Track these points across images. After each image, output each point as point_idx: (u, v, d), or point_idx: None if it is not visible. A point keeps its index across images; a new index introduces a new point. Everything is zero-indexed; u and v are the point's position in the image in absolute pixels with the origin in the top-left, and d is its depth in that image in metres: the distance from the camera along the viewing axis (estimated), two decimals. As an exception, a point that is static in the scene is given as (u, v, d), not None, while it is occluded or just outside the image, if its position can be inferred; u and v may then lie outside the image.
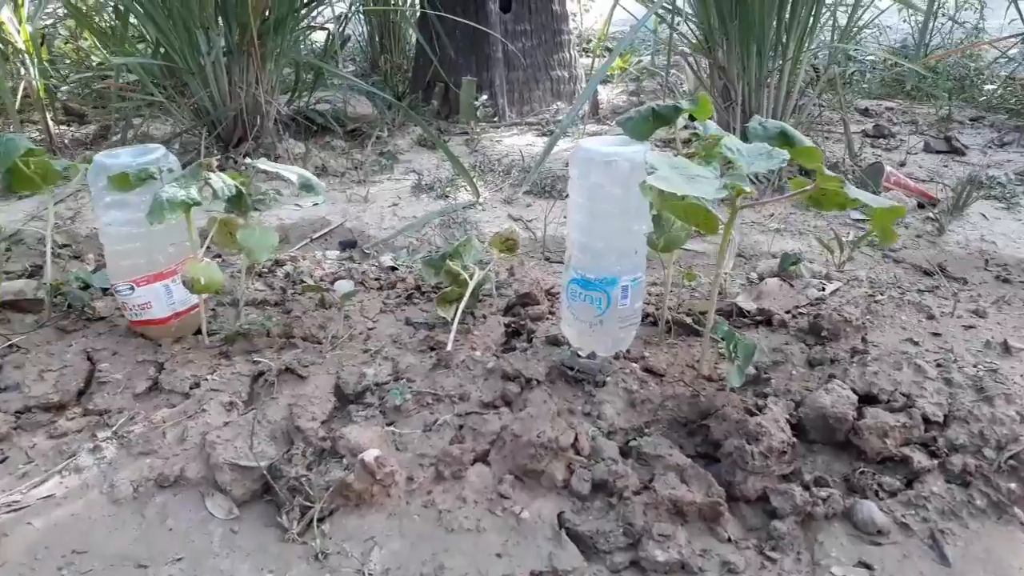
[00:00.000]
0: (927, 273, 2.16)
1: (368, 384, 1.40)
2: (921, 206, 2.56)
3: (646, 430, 1.28)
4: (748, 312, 1.66)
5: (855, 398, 1.28)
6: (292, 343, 1.58)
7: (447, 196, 2.81)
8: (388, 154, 3.18)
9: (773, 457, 1.18)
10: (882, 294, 1.75)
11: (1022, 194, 2.65)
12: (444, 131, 3.70)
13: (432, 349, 1.55)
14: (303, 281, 1.86)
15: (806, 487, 1.17)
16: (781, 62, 2.84)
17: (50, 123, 3.39)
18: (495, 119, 3.85)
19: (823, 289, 1.77)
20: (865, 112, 4.06)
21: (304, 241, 2.52)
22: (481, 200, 2.74)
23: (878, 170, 2.58)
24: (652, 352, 1.52)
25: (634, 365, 1.43)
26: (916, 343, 1.52)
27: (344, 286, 1.59)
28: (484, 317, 1.70)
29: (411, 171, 3.13)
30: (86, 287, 1.84)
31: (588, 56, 5.37)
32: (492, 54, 3.90)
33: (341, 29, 3.97)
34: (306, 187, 1.54)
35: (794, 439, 1.22)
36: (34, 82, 3.26)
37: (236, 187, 1.48)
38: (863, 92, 4.54)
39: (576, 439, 1.23)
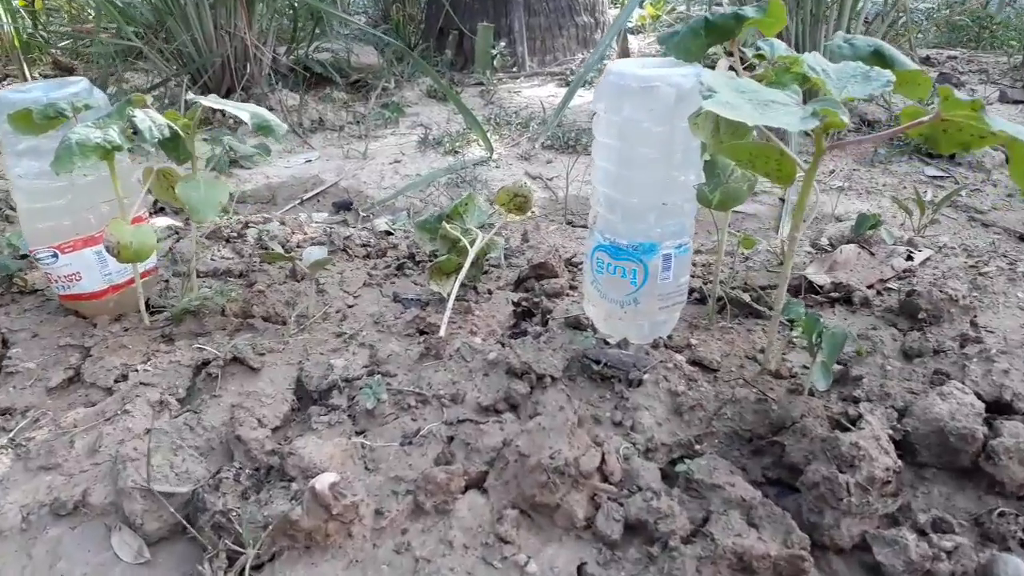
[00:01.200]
0: (1024, 239, 1.80)
1: (336, 379, 1.09)
2: (1008, 159, 2.18)
3: (697, 447, 0.96)
4: (821, 287, 1.33)
5: (981, 406, 0.94)
6: (250, 324, 1.28)
7: (456, 152, 2.48)
8: (392, 106, 2.85)
9: (875, 490, 0.85)
10: (987, 264, 1.40)
11: None
12: (457, 83, 3.35)
13: (422, 333, 1.24)
14: (274, 248, 1.54)
15: (921, 532, 0.84)
16: (842, -5, 2.45)
17: (27, 75, 3.10)
18: (514, 68, 3.50)
19: (911, 258, 1.42)
20: (926, 61, 3.64)
21: (294, 202, 2.22)
22: (495, 156, 2.41)
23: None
24: (701, 339, 1.19)
25: (679, 357, 1.10)
26: (1044, 328, 1.18)
27: (314, 253, 1.28)
28: (489, 292, 1.38)
29: (418, 125, 2.80)
30: (24, 255, 1.55)
31: (616, 7, 4.96)
32: (511, -3, 3.53)
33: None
34: (262, 127, 1.23)
35: (899, 463, 0.89)
36: (5, 27, 2.96)
37: (170, 128, 1.16)
38: (919, 41, 4.11)
39: (603, 460, 0.91)
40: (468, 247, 1.30)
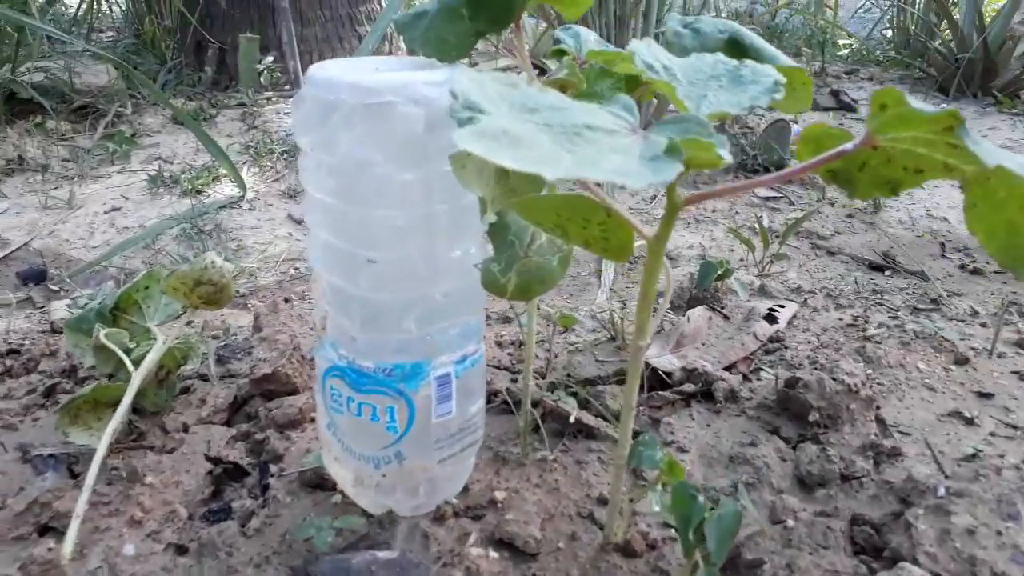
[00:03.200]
0: (875, 267, 1.55)
1: None
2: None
3: None
4: (670, 376, 0.95)
5: (951, 603, 0.58)
6: None
7: (199, 192, 1.94)
8: (120, 136, 2.25)
9: None
10: (867, 320, 1.09)
11: (950, 153, 2.11)
12: (216, 104, 2.79)
13: (44, 531, 0.73)
14: None
15: None
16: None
17: None
18: (286, 87, 2.98)
19: (773, 318, 1.09)
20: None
21: (-41, 276, 1.59)
22: (250, 195, 1.90)
23: (783, 129, 1.97)
24: (511, 487, 0.77)
25: (474, 552, 0.67)
26: (969, 419, 0.86)
27: None
28: (184, 429, 0.89)
29: (156, 158, 2.22)
30: None
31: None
32: (277, 4, 3.00)
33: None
34: None
35: None
36: None
37: None
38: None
39: None
40: (132, 368, 0.81)
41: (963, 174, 0.52)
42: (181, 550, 0.69)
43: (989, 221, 0.54)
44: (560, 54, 0.73)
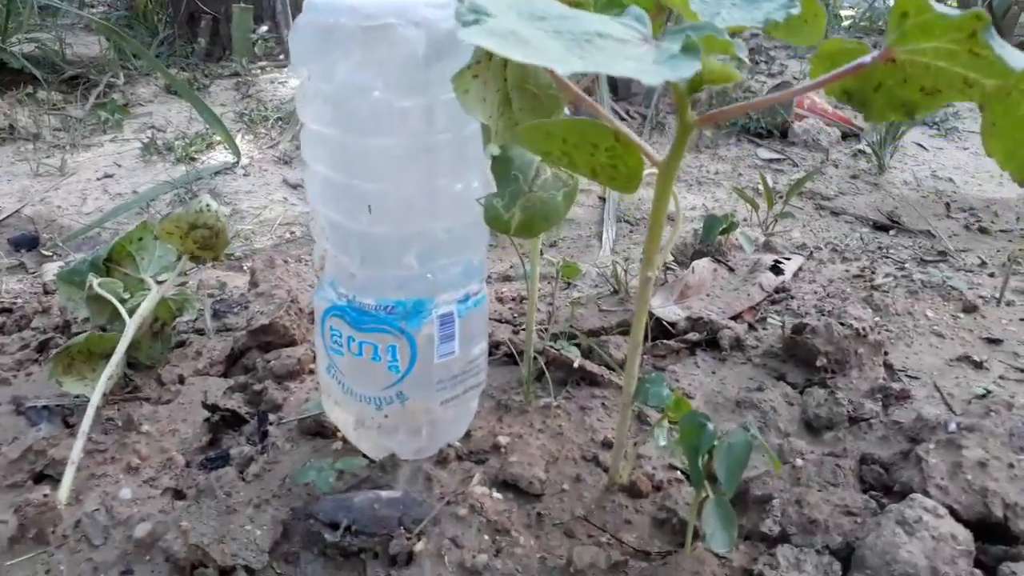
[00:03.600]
0: (880, 227, 1.54)
1: None
2: (845, 136, 1.95)
3: None
4: (674, 326, 0.93)
5: (967, 536, 0.57)
6: None
7: (193, 159, 1.92)
8: (112, 105, 2.22)
9: None
10: (874, 272, 1.07)
11: (953, 116, 2.10)
12: (209, 75, 2.75)
13: (39, 479, 0.72)
14: None
15: None
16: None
17: None
18: (280, 56, 2.94)
19: (779, 270, 1.07)
20: (728, 38, 3.48)
21: (-49, 242, 1.57)
22: (244, 161, 1.88)
23: (784, 92, 1.94)
24: (514, 432, 0.76)
25: (479, 490, 0.65)
26: (978, 363, 0.85)
27: None
28: (180, 381, 0.87)
29: (150, 127, 2.19)
30: None
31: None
32: (270, -28, 2.97)
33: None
34: None
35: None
36: None
37: None
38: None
39: None
40: (126, 316, 0.79)
41: (982, 91, 0.50)
42: (179, 494, 0.68)
43: (1009, 139, 0.52)
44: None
